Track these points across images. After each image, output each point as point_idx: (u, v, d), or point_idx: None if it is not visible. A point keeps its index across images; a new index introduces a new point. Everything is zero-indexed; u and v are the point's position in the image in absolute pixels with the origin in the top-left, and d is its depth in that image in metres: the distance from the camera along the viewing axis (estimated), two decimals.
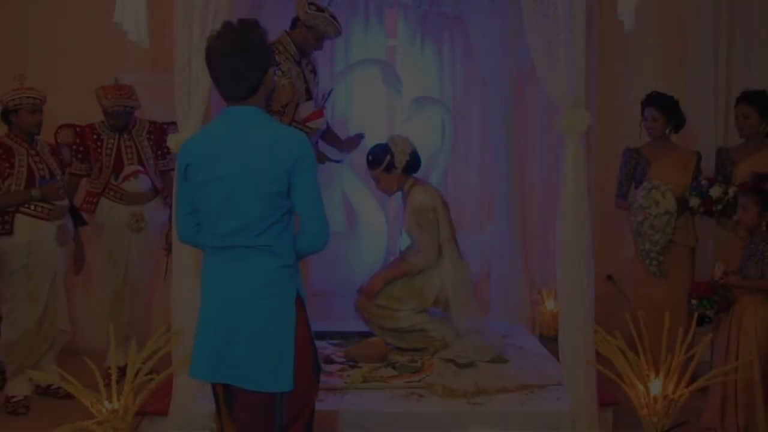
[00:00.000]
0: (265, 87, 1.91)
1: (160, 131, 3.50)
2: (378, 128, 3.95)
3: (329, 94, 3.36)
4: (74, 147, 3.42)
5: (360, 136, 3.43)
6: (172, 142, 2.55)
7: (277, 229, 1.88)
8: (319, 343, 3.18)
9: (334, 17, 3.17)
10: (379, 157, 3.15)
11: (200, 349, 1.92)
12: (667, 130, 3.42)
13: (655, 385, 2.43)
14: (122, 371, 2.82)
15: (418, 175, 3.27)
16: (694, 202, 3.24)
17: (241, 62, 1.84)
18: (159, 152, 3.49)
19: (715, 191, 3.20)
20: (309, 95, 3.21)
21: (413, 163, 3.17)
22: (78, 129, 3.44)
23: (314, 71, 3.31)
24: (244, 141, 1.86)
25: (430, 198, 3.11)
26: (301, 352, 1.91)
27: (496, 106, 3.84)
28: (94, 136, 3.42)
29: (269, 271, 1.87)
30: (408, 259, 3.21)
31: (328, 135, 3.46)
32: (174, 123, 2.63)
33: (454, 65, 4.05)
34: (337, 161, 3.42)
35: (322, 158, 3.22)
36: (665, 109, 3.37)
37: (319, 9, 3.13)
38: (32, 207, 3.15)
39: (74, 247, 3.35)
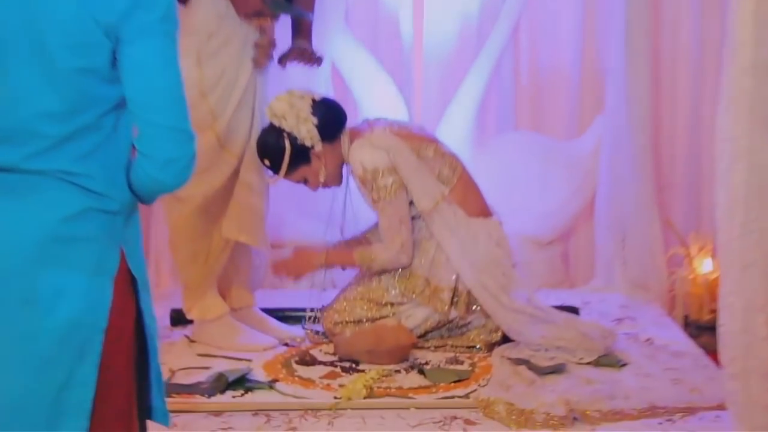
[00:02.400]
0: None
1: None
2: None
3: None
4: None
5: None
6: None
7: (87, 141, 1.70)
8: (292, 329, 3.44)
9: None
10: (274, 150, 3.20)
11: None
12: None
13: None
14: None
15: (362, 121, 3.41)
16: None
17: None
18: None
19: None
20: None
21: (329, 118, 3.23)
22: None
23: None
24: None
25: (376, 151, 3.16)
26: (117, 379, 1.74)
27: None
28: None
29: (64, 218, 1.68)
30: (371, 244, 3.29)
31: None
32: None
33: None
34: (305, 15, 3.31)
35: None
36: None
37: None
38: None
39: None
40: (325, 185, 3.30)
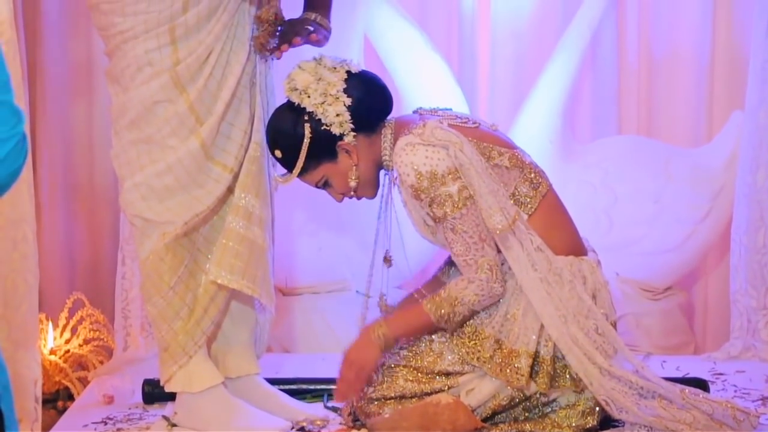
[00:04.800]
0: None
1: None
2: None
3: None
4: None
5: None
6: None
7: None
8: (310, 407, 3.49)
9: None
10: (288, 137, 3.22)
11: None
12: None
13: None
14: None
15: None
16: None
17: None
18: None
19: None
20: None
21: (369, 100, 3.24)
22: None
23: None
24: None
25: (432, 149, 3.13)
26: None
27: None
28: None
29: None
30: (451, 290, 3.21)
31: None
32: None
33: None
34: None
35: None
36: None
37: None
38: None
39: None
40: (355, 193, 3.28)
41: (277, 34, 3.31)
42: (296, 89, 3.16)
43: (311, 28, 3.31)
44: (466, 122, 3.26)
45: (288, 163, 3.20)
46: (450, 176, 3.11)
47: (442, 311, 3.14)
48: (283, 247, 3.52)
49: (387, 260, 3.39)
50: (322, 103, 3.15)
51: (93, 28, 3.41)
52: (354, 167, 3.21)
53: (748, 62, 4.00)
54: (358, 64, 3.25)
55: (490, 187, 3.14)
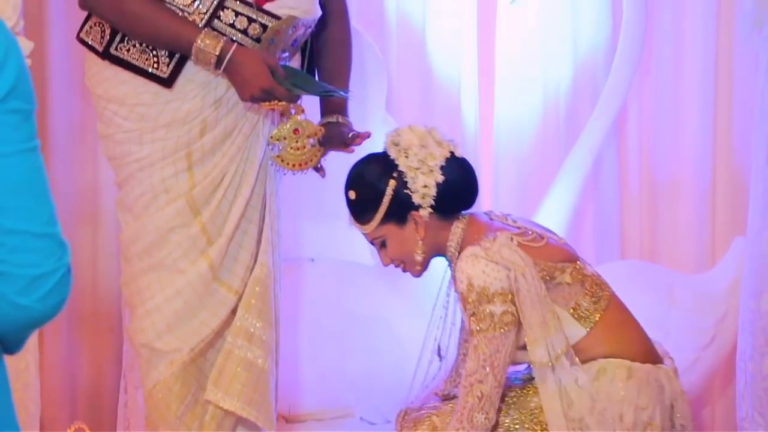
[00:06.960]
0: None
1: None
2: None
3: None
4: None
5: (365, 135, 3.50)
6: None
7: None
8: None
9: None
10: (369, 186, 3.21)
11: None
12: None
13: None
14: None
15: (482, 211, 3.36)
16: None
17: None
18: None
19: None
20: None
21: (459, 187, 3.23)
22: None
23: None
24: None
25: (493, 267, 3.11)
26: None
27: None
28: None
29: None
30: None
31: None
32: None
33: None
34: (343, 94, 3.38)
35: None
36: None
37: None
38: None
39: None
40: (404, 265, 3.26)
41: (313, 143, 3.30)
42: (398, 145, 3.17)
43: (351, 130, 3.39)
44: (534, 240, 3.22)
45: (356, 208, 3.21)
46: (499, 297, 3.08)
47: None
48: (285, 373, 3.48)
49: (438, 354, 3.36)
50: (417, 168, 3.14)
51: (100, 155, 3.44)
52: (420, 241, 3.20)
53: (749, 188, 4.02)
54: (462, 151, 3.26)
55: (542, 319, 3.12)
